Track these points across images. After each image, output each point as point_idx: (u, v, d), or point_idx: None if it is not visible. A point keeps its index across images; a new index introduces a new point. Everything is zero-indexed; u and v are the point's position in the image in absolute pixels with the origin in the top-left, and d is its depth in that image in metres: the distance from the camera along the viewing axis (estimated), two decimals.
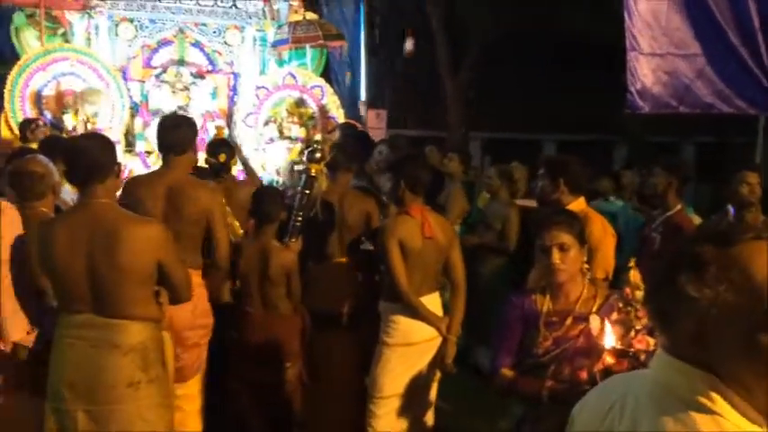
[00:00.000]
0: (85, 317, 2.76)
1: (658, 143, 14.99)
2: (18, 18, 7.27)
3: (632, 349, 2.21)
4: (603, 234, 3.49)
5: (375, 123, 10.95)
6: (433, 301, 3.61)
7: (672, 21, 5.31)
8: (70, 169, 2.88)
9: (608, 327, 2.26)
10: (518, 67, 15.50)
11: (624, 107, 5.61)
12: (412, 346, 3.54)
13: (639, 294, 2.34)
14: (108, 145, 2.94)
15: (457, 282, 3.68)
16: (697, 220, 4.48)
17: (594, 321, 2.35)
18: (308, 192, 4.14)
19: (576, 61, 15.11)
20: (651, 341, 2.25)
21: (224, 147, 5.09)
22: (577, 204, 3.53)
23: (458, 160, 6.32)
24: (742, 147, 5.87)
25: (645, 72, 5.34)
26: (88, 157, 2.78)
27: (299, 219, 4.03)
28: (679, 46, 5.33)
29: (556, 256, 2.53)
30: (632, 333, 2.25)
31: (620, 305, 2.37)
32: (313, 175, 4.25)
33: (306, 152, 4.82)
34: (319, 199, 4.23)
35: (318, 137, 7.26)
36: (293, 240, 3.98)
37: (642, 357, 2.19)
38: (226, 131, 7.39)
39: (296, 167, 6.52)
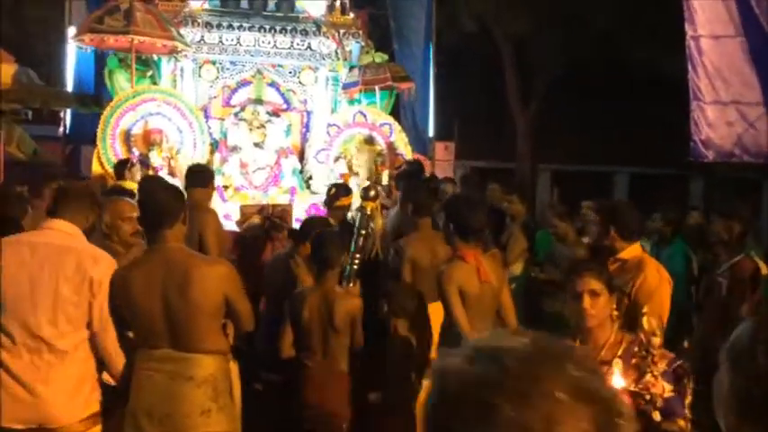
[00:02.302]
0: (163, 351, 3.00)
1: (738, 178, 14.50)
2: (111, 61, 7.85)
3: (647, 393, 2.27)
4: (659, 281, 3.51)
5: (443, 156, 11.13)
6: None
7: (735, 70, 5.29)
8: (143, 215, 3.12)
9: (616, 369, 2.33)
10: (589, 99, 15.37)
11: (688, 156, 5.58)
12: None
13: (656, 341, 2.39)
14: (177, 193, 3.17)
15: (510, 324, 3.68)
16: (764, 267, 4.41)
17: (617, 366, 2.43)
18: (364, 232, 4.18)
19: (650, 92, 14.86)
20: (668, 387, 2.31)
21: (337, 185, 5.40)
22: (632, 251, 3.56)
23: (519, 201, 6.38)
24: None
25: (708, 121, 5.32)
26: (159, 204, 3.01)
27: (357, 261, 3.97)
28: (742, 94, 5.29)
29: (586, 301, 2.59)
30: (648, 377, 2.31)
31: (636, 349, 2.43)
32: (369, 213, 4.31)
33: (361, 190, 5.02)
34: (379, 238, 4.34)
35: (386, 173, 7.50)
36: (351, 285, 3.87)
37: (658, 402, 2.24)
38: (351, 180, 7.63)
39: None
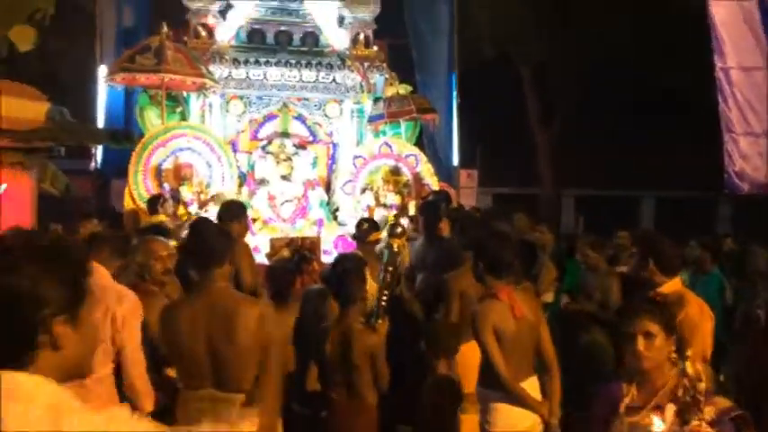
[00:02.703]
0: (206, 392, 3.03)
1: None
2: (142, 99, 8.02)
3: None
4: (701, 317, 3.44)
5: (467, 183, 11.17)
6: (531, 386, 3.51)
7: (765, 101, 5.27)
8: (191, 255, 3.18)
9: (655, 418, 2.29)
10: (613, 122, 15.32)
11: (722, 188, 5.54)
12: None
13: (702, 386, 2.33)
14: (225, 235, 3.24)
15: (549, 361, 3.59)
16: None
17: (669, 410, 2.37)
18: (391, 268, 4.07)
19: (676, 116, 14.79)
20: None
21: (368, 221, 5.43)
22: (672, 285, 3.50)
23: (547, 231, 6.36)
24: None
25: (741, 153, 5.29)
26: (208, 245, 3.08)
27: (385, 297, 3.88)
28: None
29: (641, 343, 2.54)
30: (695, 424, 2.26)
31: (680, 394, 2.37)
32: (396, 251, 4.29)
33: (388, 227, 5.02)
34: (403, 276, 4.29)
35: (413, 204, 7.52)
36: (380, 321, 3.79)
37: None
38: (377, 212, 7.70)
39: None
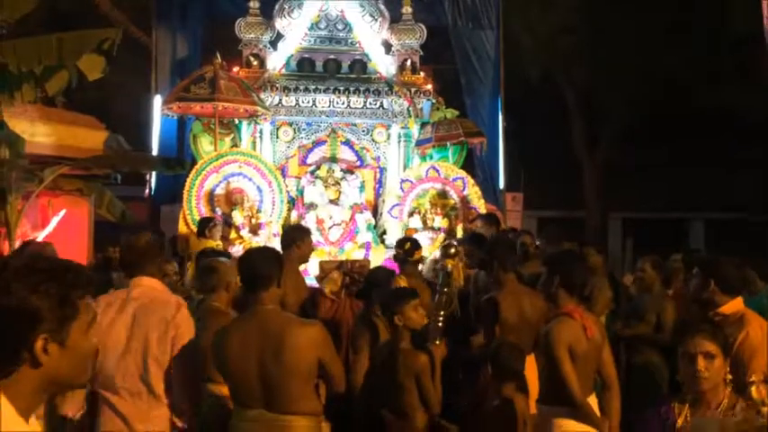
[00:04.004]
0: (257, 412, 3.09)
1: None
2: (196, 127, 8.29)
3: None
4: (762, 337, 3.39)
5: (512, 206, 11.14)
6: (592, 403, 3.51)
7: None
8: (241, 279, 3.30)
9: None
10: (660, 143, 15.11)
11: None
12: None
13: (766, 411, 2.30)
14: (273, 258, 3.32)
15: (611, 380, 3.59)
16: None
17: None
18: (446, 289, 4.12)
19: (725, 136, 14.53)
20: None
21: (409, 240, 5.47)
22: (733, 305, 3.46)
23: (595, 253, 6.30)
24: None
25: None
26: (254, 269, 3.18)
27: (441, 319, 3.89)
28: None
29: (701, 364, 2.52)
30: None
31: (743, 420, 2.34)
32: (450, 271, 4.32)
33: (440, 248, 5.03)
34: (456, 297, 4.31)
35: (461, 227, 7.55)
36: (436, 342, 3.79)
37: None
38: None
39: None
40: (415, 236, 7.78)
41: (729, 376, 2.58)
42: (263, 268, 3.18)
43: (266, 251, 3.48)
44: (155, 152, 9.66)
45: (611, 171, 15.48)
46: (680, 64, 13.52)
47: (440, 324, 3.94)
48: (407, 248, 5.25)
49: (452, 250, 4.56)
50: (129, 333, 3.22)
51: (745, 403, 2.52)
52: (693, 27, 13.37)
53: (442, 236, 7.60)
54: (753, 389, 2.42)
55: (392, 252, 7.52)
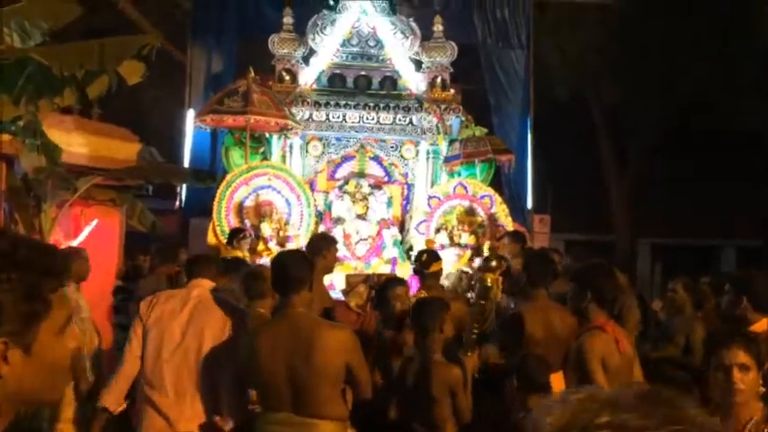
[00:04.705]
0: (284, 415, 3.10)
1: None
2: (228, 140, 8.41)
3: None
4: None
5: (539, 228, 11.07)
6: None
7: None
8: (274, 280, 3.32)
9: None
10: (691, 165, 14.90)
11: None
12: None
13: None
14: (305, 261, 3.36)
15: None
16: None
17: None
18: (483, 302, 4.18)
19: (756, 158, 14.29)
20: None
21: (427, 252, 5.45)
22: (766, 323, 3.43)
23: (621, 272, 6.22)
24: None
25: None
26: (286, 271, 3.20)
27: (475, 331, 3.94)
28: None
29: (737, 375, 2.50)
30: None
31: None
32: (489, 285, 4.31)
33: (481, 261, 5.00)
34: (494, 311, 4.31)
35: (487, 244, 7.52)
36: (469, 354, 3.81)
37: None
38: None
39: (467, 275, 6.79)
40: (442, 252, 7.79)
41: (762, 389, 2.55)
42: (295, 270, 3.20)
43: (298, 254, 3.53)
44: (186, 165, 9.81)
45: (640, 194, 15.31)
46: (713, 82, 13.37)
47: (474, 336, 3.95)
48: (424, 260, 5.19)
49: (493, 263, 4.53)
50: (184, 329, 3.27)
51: None
52: (720, 40, 13.23)
53: (468, 252, 7.57)
54: None
55: None
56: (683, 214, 15.19)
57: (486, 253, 7.48)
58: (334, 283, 7.17)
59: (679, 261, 13.39)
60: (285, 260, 3.35)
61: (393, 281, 4.34)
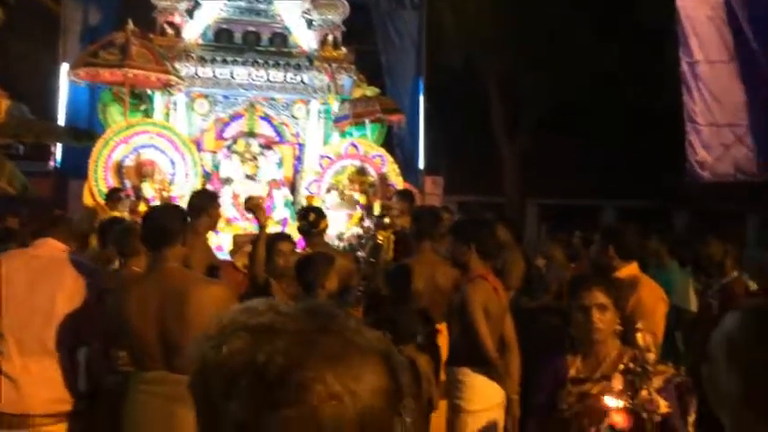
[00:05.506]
0: (158, 373, 2.96)
1: (720, 211, 14.72)
2: (105, 95, 7.93)
3: (643, 410, 2.29)
4: (654, 299, 3.55)
5: (432, 190, 11.21)
6: None
7: (729, 93, 5.47)
8: (144, 235, 3.17)
9: (613, 386, 2.36)
10: (575, 133, 15.59)
11: (684, 176, 5.74)
12: (489, 411, 3.56)
13: (651, 357, 2.42)
14: (177, 214, 3.21)
15: (512, 342, 3.73)
16: (754, 286, 4.49)
17: (616, 381, 2.45)
18: (373, 260, 4.18)
19: (636, 127, 15.12)
20: (663, 403, 2.33)
21: (313, 209, 5.33)
22: (628, 270, 3.61)
23: (504, 228, 6.42)
24: None
25: (703, 143, 5.48)
26: (157, 224, 3.06)
27: (361, 288, 3.98)
28: (736, 117, 5.47)
29: (596, 315, 2.63)
30: (644, 393, 2.33)
31: (632, 365, 2.45)
32: (380, 242, 4.30)
33: (374, 218, 4.96)
34: (382, 269, 4.30)
35: (378, 203, 7.55)
36: (353, 310, 3.86)
37: (655, 418, 2.26)
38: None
39: (359, 233, 6.80)
40: (333, 212, 7.76)
41: (619, 328, 2.68)
42: (166, 223, 3.06)
43: (170, 207, 3.38)
44: (62, 123, 9.19)
45: (529, 159, 15.85)
46: (601, 53, 13.92)
47: (359, 293, 3.98)
48: (312, 219, 5.09)
49: (387, 220, 4.52)
50: (28, 290, 3.07)
51: (632, 353, 2.62)
52: (618, 16, 13.75)
53: (359, 212, 7.57)
54: (639, 336, 2.52)
55: None
56: (568, 177, 15.90)
57: (376, 212, 7.52)
58: (223, 245, 7.01)
59: (563, 221, 14.01)
60: (156, 213, 3.21)
61: (277, 237, 4.25)
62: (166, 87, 7.69)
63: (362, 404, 0.75)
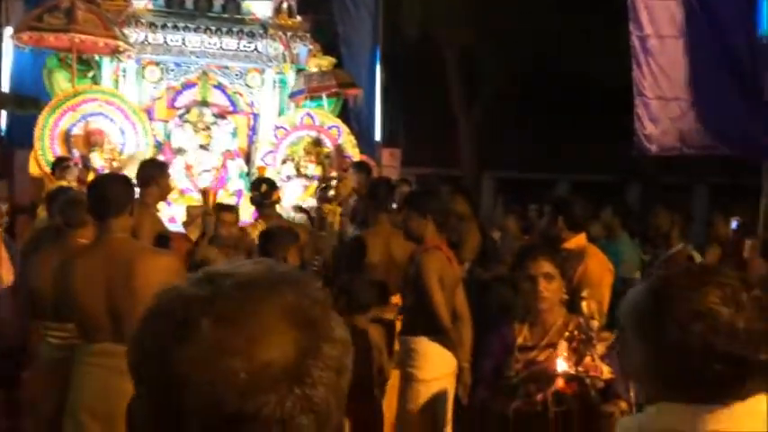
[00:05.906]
0: (104, 345, 2.93)
1: (671, 184, 15.10)
2: (51, 61, 7.64)
3: (587, 375, 2.36)
4: (601, 269, 3.64)
5: (389, 162, 11.22)
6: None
7: (678, 68, 5.57)
8: (90, 205, 3.09)
9: (559, 353, 2.43)
10: (532, 107, 15.73)
11: (632, 149, 5.84)
12: (442, 379, 3.64)
13: (595, 324, 2.49)
14: (124, 183, 3.14)
15: (464, 312, 3.81)
16: (698, 257, 4.62)
17: (562, 347, 2.52)
18: (324, 233, 4.18)
19: (591, 102, 15.31)
20: (606, 369, 2.41)
21: (265, 181, 5.27)
22: (577, 240, 3.69)
23: (462, 201, 6.48)
24: (756, 189, 6.05)
25: (651, 116, 5.57)
26: (103, 193, 3.00)
27: (315, 263, 3.99)
28: (684, 91, 5.58)
29: (542, 284, 2.69)
30: (587, 360, 2.40)
31: (576, 333, 2.53)
32: (325, 215, 4.29)
33: (317, 191, 4.93)
34: (334, 241, 4.29)
35: (334, 174, 7.51)
36: None
37: (598, 384, 2.34)
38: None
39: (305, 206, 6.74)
40: (289, 183, 7.70)
41: (566, 297, 2.75)
42: (112, 192, 3.00)
43: (117, 177, 3.32)
44: (6, 90, 8.86)
45: (486, 132, 15.95)
46: (558, 26, 13.99)
47: (314, 268, 4.03)
48: (264, 191, 5.06)
49: (331, 192, 4.51)
50: None
51: (577, 321, 2.68)
52: None
53: (315, 183, 7.52)
54: (584, 304, 2.59)
55: None
56: (525, 151, 16.07)
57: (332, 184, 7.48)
58: (176, 217, 6.89)
59: (519, 194, 14.17)
60: (102, 182, 3.15)
61: (221, 206, 4.22)
62: (115, 54, 7.45)
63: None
